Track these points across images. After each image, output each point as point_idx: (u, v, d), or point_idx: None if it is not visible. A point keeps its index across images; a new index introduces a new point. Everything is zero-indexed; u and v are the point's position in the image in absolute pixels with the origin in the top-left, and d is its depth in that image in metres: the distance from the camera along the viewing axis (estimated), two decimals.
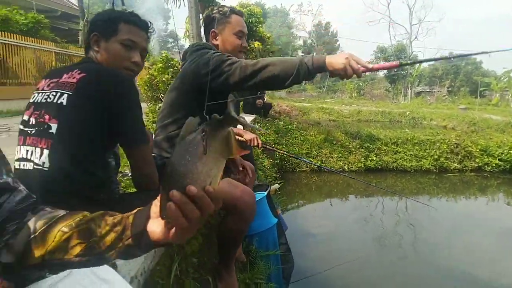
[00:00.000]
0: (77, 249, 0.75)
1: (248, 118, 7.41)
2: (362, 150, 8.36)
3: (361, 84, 34.44)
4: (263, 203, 2.98)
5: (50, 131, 1.32)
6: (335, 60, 1.52)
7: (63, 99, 1.34)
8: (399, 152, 8.49)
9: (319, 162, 8.04)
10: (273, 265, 2.96)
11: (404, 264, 4.00)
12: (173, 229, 0.70)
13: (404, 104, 23.94)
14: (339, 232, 4.92)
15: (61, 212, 0.80)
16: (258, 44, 10.89)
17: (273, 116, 10.30)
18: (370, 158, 8.26)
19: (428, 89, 38.03)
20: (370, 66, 1.52)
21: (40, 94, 1.42)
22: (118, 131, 1.40)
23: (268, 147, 3.45)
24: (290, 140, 8.48)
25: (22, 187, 0.84)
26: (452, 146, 8.63)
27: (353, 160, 8.21)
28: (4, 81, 9.13)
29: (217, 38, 2.07)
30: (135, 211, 0.78)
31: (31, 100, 1.44)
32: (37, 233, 0.76)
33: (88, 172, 1.36)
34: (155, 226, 0.72)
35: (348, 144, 8.46)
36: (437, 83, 38.49)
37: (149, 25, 1.59)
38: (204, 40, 2.21)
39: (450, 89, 36.81)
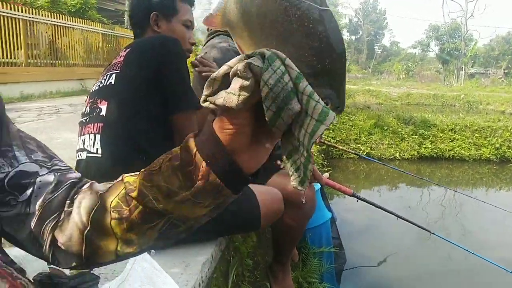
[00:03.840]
0: (154, 232, 0.54)
1: None
2: (416, 136, 7.88)
3: (410, 65, 32.96)
4: (317, 195, 2.76)
5: (101, 114, 1.25)
6: None
7: (112, 79, 1.27)
8: (457, 140, 7.93)
9: (368, 148, 7.68)
10: (326, 262, 2.77)
11: (454, 258, 3.69)
12: None
13: (457, 87, 22.67)
14: (386, 224, 4.62)
15: (100, 188, 0.59)
16: None
17: None
18: (424, 146, 7.77)
19: (482, 71, 35.71)
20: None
21: (96, 84, 1.36)
22: (163, 95, 1.25)
23: (326, 142, 3.23)
24: (337, 125, 8.13)
25: (51, 171, 0.62)
26: None
27: (405, 147, 7.76)
28: (54, 62, 9.34)
29: None
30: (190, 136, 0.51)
31: (89, 92, 1.38)
32: (89, 227, 0.56)
33: (143, 152, 1.23)
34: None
35: (400, 130, 8.00)
36: (493, 64, 36.06)
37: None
38: None
39: (507, 71, 34.36)
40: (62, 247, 0.58)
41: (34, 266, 0.97)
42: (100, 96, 1.28)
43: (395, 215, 2.12)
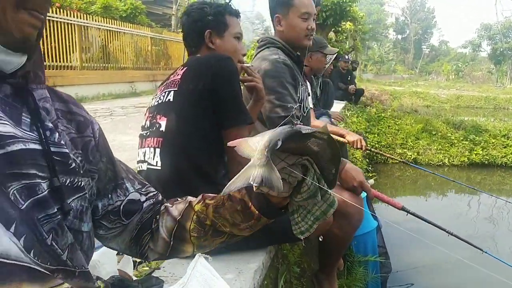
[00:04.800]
0: (220, 240, 0.78)
1: (339, 105, 7.07)
2: (466, 142, 7.57)
3: (460, 65, 31.53)
4: (363, 203, 2.74)
5: (161, 129, 1.33)
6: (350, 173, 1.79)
7: (170, 96, 1.35)
8: (510, 146, 7.54)
9: (415, 154, 7.48)
10: (372, 272, 2.74)
11: (506, 276, 3.52)
12: None
13: (511, 89, 21.43)
14: (434, 234, 4.47)
15: (174, 214, 0.80)
16: (350, 25, 10.34)
17: (363, 103, 9.74)
18: (475, 152, 7.45)
19: None
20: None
21: (154, 99, 1.45)
22: (217, 111, 1.33)
23: (373, 150, 3.19)
24: (383, 129, 7.96)
25: (148, 198, 0.83)
26: None
27: (455, 153, 7.47)
28: (106, 65, 9.79)
29: (281, 23, 1.92)
30: None
31: (148, 106, 1.47)
32: (172, 240, 0.79)
33: (199, 166, 1.33)
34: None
35: (450, 135, 7.71)
36: None
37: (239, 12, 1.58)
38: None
39: None
40: (154, 250, 0.81)
41: (107, 269, 1.07)
42: (159, 112, 1.37)
43: (447, 232, 2.07)
